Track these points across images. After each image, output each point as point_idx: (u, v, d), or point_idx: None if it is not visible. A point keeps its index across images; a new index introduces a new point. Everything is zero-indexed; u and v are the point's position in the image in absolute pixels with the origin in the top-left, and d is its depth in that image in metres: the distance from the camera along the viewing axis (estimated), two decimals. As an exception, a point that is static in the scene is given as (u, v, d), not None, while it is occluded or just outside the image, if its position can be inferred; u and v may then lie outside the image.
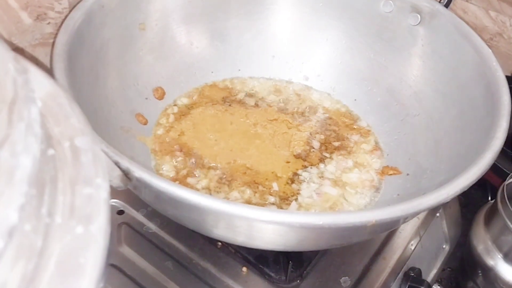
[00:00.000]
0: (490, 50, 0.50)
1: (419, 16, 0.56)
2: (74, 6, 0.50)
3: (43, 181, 0.19)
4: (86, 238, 0.19)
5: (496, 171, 0.65)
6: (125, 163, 0.34)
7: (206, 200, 0.32)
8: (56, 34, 0.47)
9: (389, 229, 0.50)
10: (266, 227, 0.36)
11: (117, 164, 0.34)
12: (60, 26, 0.48)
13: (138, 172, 0.34)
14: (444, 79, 0.54)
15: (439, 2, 0.56)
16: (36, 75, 0.25)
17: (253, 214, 0.32)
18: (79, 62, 0.46)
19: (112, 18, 0.52)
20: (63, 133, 0.22)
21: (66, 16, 0.54)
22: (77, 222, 0.19)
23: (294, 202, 0.50)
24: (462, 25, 0.53)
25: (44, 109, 0.23)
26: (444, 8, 0.55)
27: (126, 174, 0.35)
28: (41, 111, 0.23)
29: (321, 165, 0.54)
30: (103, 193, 0.20)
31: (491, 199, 0.69)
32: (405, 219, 0.41)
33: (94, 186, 0.20)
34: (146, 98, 0.56)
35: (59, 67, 0.42)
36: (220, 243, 0.51)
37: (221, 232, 0.41)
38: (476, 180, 0.38)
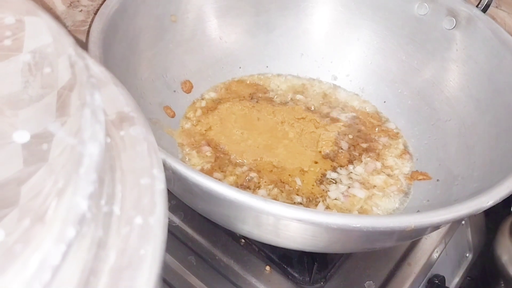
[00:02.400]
0: (529, 57, 0.49)
1: (454, 20, 0.55)
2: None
3: (103, 169, 0.18)
4: (146, 230, 0.18)
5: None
6: (162, 155, 0.34)
7: (245, 197, 0.32)
8: (91, 21, 0.46)
9: (423, 235, 0.50)
10: (300, 226, 0.35)
11: (153, 155, 0.34)
12: (94, 14, 0.48)
13: (174, 164, 0.34)
14: (478, 84, 0.53)
15: (477, 6, 0.55)
16: (88, 59, 0.24)
17: (294, 213, 0.31)
18: (112, 51, 0.46)
19: (145, 8, 0.51)
20: (117, 122, 0.22)
21: (98, 5, 0.54)
22: (136, 213, 0.19)
23: (321, 203, 0.49)
24: (500, 30, 0.52)
25: (97, 95, 0.23)
26: (482, 13, 0.54)
27: (161, 166, 0.35)
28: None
29: (350, 167, 0.53)
30: (160, 184, 0.20)
31: (515, 210, 0.68)
32: (438, 226, 0.41)
33: (151, 177, 0.20)
34: (174, 91, 0.56)
35: (94, 56, 0.41)
36: (243, 240, 0.50)
37: (250, 229, 0.40)
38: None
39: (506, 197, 0.36)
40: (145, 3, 0.51)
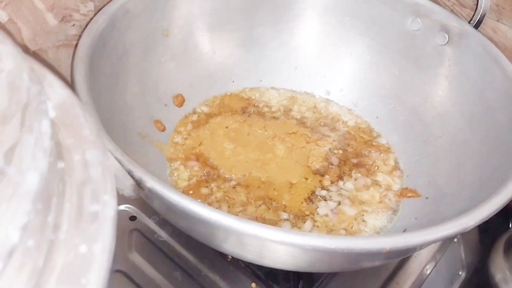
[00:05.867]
0: (520, 74, 0.49)
1: (447, 36, 0.55)
2: (99, 9, 0.50)
3: (50, 195, 0.18)
4: (89, 258, 0.18)
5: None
6: (139, 173, 0.34)
7: (217, 216, 0.32)
8: (80, 36, 0.47)
9: (404, 255, 0.49)
10: (277, 247, 0.35)
11: (130, 173, 0.34)
12: (84, 29, 0.49)
13: (150, 183, 0.34)
14: (470, 101, 0.52)
15: (469, 22, 0.55)
16: (53, 83, 0.24)
17: (265, 233, 0.31)
18: (101, 66, 0.46)
19: (136, 23, 0.52)
20: (74, 145, 0.22)
21: (91, 19, 0.54)
22: (81, 241, 0.18)
23: (309, 221, 0.49)
24: (491, 47, 0.52)
25: (58, 119, 0.23)
26: (474, 29, 0.54)
27: (138, 184, 0.35)
28: (54, 121, 0.22)
29: (340, 183, 0.52)
30: (110, 211, 0.20)
31: (512, 227, 0.67)
32: (421, 247, 0.40)
33: (102, 203, 0.20)
34: (166, 105, 0.56)
35: (79, 70, 0.42)
36: (230, 256, 0.50)
37: (231, 247, 0.40)
38: (500, 209, 0.37)
39: (486, 219, 0.36)
40: (137, 19, 0.52)
